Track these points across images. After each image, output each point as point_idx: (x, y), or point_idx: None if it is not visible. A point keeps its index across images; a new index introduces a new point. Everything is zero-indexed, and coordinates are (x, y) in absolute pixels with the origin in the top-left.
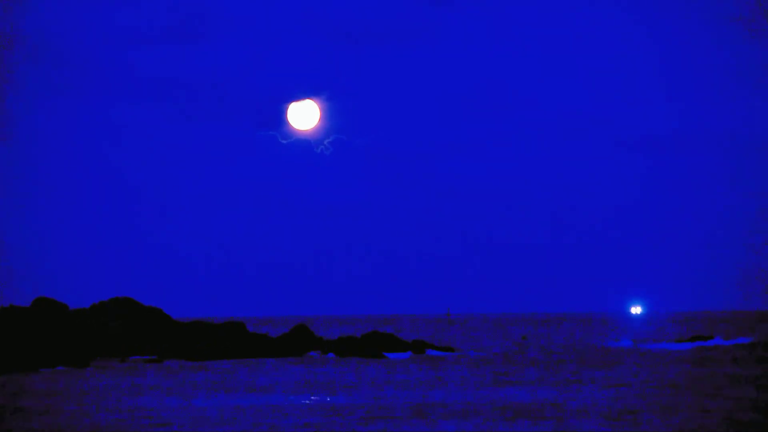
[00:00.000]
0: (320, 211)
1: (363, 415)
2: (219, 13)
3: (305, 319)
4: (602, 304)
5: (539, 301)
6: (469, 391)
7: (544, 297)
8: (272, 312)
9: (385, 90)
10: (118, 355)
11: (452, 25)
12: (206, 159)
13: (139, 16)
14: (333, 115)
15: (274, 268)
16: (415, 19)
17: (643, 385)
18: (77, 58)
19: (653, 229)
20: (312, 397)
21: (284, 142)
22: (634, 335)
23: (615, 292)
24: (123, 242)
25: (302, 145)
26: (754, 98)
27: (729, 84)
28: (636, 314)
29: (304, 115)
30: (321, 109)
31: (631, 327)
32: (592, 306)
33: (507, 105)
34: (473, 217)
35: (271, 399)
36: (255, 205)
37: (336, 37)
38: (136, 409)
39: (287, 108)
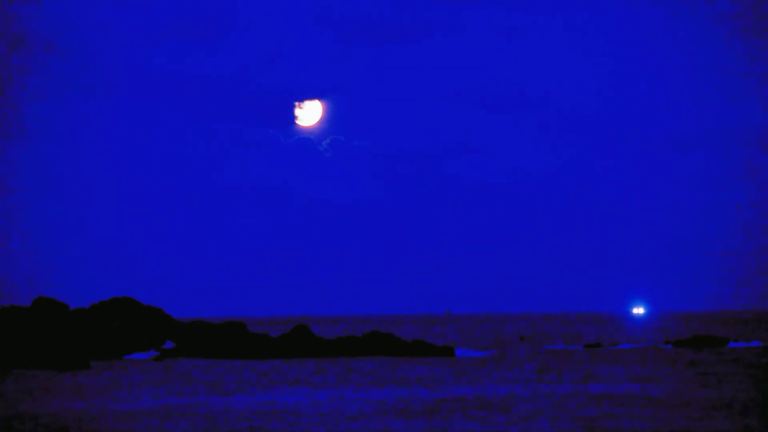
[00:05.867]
0: (321, 211)
1: (354, 412)
2: (229, 11)
3: (305, 319)
4: (604, 304)
5: (541, 300)
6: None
7: (546, 297)
8: (272, 312)
9: (390, 90)
10: (118, 355)
11: (462, 24)
12: (207, 158)
13: (148, 14)
14: (337, 115)
15: (274, 268)
16: (425, 20)
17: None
18: (85, 54)
19: (656, 229)
20: (315, 395)
21: (285, 141)
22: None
23: (617, 292)
24: (123, 242)
25: (305, 144)
26: (755, 98)
27: (733, 84)
28: (638, 314)
29: (309, 115)
30: (327, 109)
31: (618, 328)
32: (594, 306)
33: (509, 105)
34: (474, 217)
35: (274, 397)
36: (255, 204)
37: (346, 37)
38: (135, 408)
39: (293, 107)
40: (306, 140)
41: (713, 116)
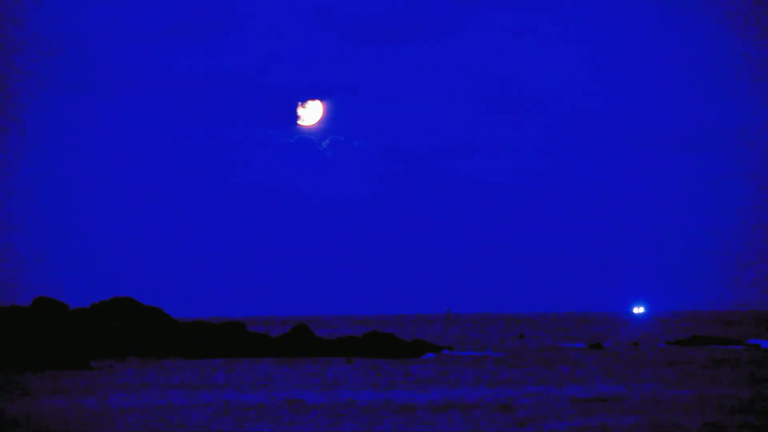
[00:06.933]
0: (321, 211)
1: (353, 412)
2: (230, 11)
3: (305, 319)
4: (604, 304)
5: (541, 300)
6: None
7: (545, 297)
8: (272, 312)
9: (390, 90)
10: (118, 355)
11: (462, 25)
12: (206, 158)
13: (149, 13)
14: (337, 115)
15: (274, 268)
16: (426, 20)
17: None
18: (85, 54)
19: (656, 228)
20: (308, 395)
21: (286, 141)
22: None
23: (617, 292)
24: (123, 242)
25: (305, 144)
26: (755, 98)
27: (733, 84)
28: (638, 314)
29: (310, 115)
30: (327, 109)
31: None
32: (595, 306)
33: (510, 105)
34: (474, 217)
35: (268, 396)
36: (255, 204)
37: (347, 37)
38: (136, 407)
39: (293, 107)
40: (306, 140)
41: (714, 116)
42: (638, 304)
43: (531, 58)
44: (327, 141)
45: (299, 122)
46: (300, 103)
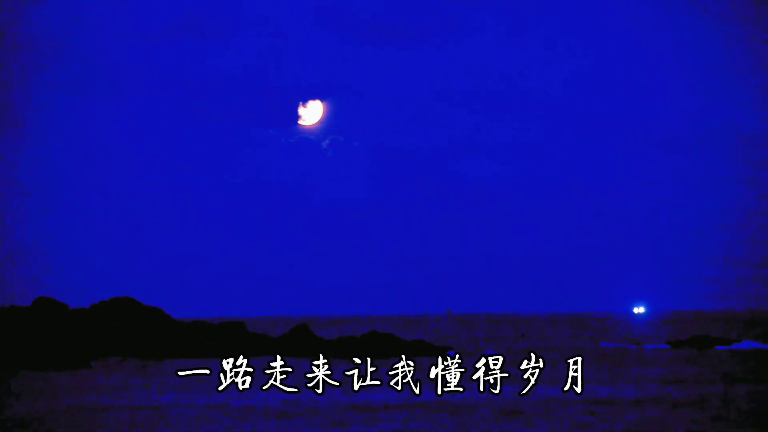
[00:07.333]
0: (320, 211)
1: (350, 412)
2: (231, 11)
3: (305, 319)
4: (605, 304)
5: (541, 300)
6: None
7: (546, 297)
8: (272, 312)
9: (390, 90)
10: (118, 355)
11: (463, 25)
12: (207, 158)
13: (150, 13)
14: (338, 115)
15: (274, 267)
16: (426, 21)
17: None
18: (87, 54)
19: (656, 228)
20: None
21: (286, 141)
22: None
23: (617, 291)
24: (123, 242)
25: (305, 144)
26: (755, 98)
27: (733, 84)
28: (638, 314)
29: (311, 115)
30: (327, 109)
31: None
32: (595, 306)
33: (510, 106)
34: (474, 216)
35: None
36: (255, 204)
37: (348, 37)
38: (135, 407)
39: (293, 107)
40: (306, 140)
41: (714, 117)
42: (638, 304)
43: (531, 58)
44: (327, 141)
45: (299, 122)
46: (300, 103)
